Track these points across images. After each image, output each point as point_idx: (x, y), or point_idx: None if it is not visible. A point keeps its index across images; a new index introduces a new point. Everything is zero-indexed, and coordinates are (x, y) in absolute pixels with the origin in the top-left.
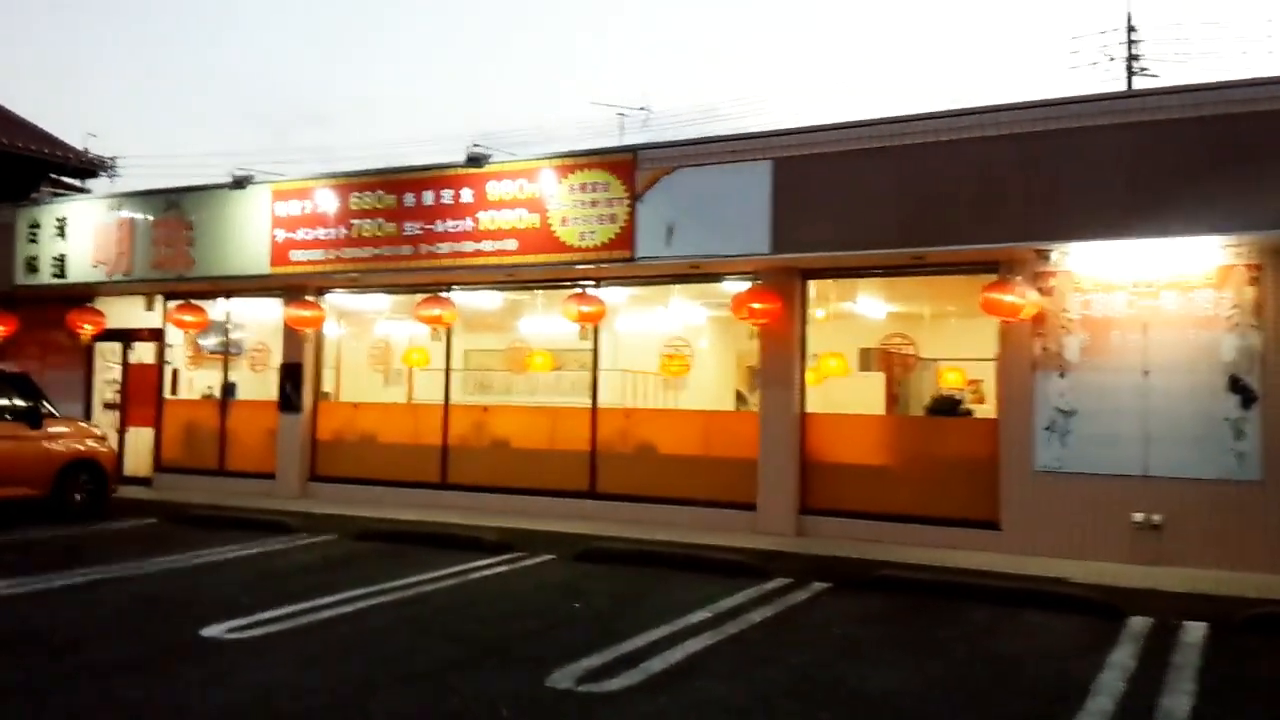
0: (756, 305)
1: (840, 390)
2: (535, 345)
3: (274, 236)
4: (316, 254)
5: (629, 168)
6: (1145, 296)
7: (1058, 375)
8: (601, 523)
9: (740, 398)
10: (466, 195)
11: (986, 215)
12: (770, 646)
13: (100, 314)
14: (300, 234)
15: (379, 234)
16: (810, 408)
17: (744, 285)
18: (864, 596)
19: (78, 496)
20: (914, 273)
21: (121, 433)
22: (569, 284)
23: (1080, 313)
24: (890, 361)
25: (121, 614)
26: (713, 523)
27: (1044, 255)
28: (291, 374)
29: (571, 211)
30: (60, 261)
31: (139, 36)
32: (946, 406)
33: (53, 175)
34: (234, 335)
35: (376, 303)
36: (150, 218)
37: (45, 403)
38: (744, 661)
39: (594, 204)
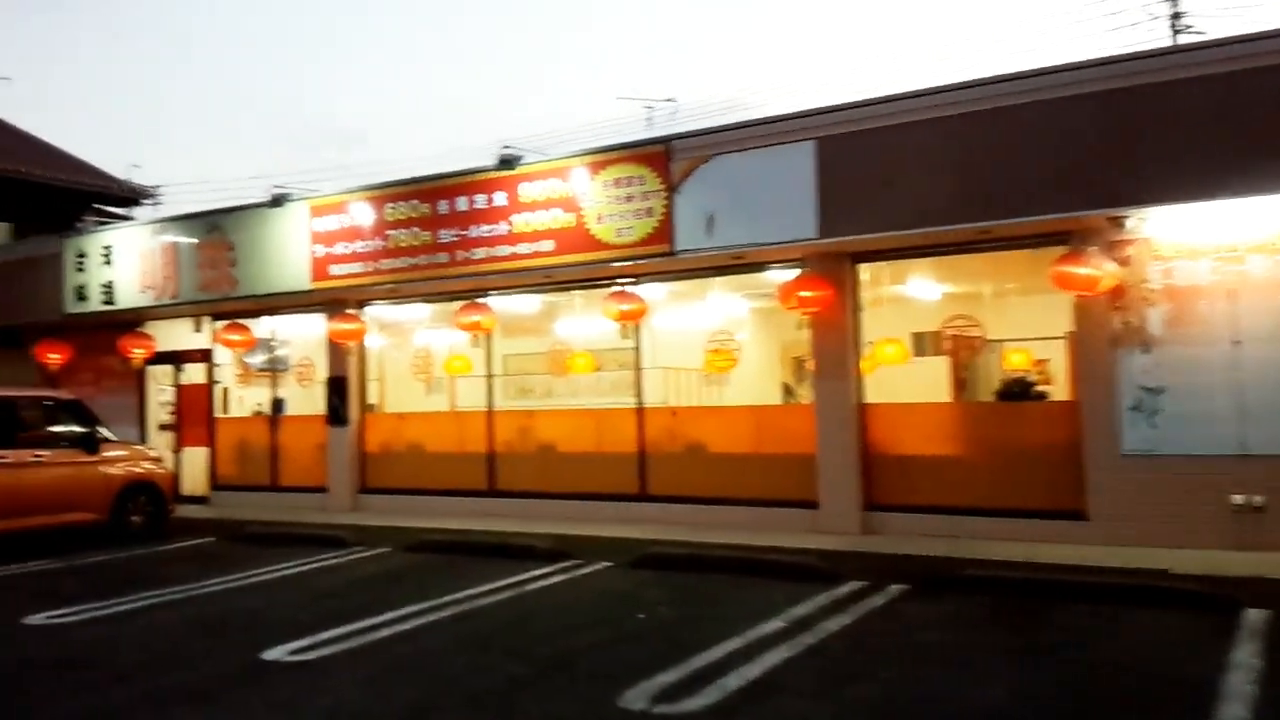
0: (805, 293)
1: (900, 378)
2: (575, 346)
3: (313, 252)
4: (355, 267)
5: (663, 159)
6: (1231, 261)
7: (1140, 351)
8: (654, 526)
9: (788, 390)
10: (500, 199)
11: (1060, 183)
12: (853, 658)
13: (150, 338)
14: (338, 248)
15: (415, 243)
16: (869, 398)
17: (790, 274)
18: (947, 598)
19: (136, 519)
20: (975, 250)
21: (177, 453)
22: (607, 282)
23: (1162, 282)
24: (955, 345)
25: (182, 638)
26: (771, 522)
27: (1119, 223)
28: (337, 387)
29: (606, 208)
30: (108, 288)
31: (174, 68)
32: (1019, 390)
33: (96, 205)
34: (280, 352)
35: (416, 313)
36: (193, 241)
37: (100, 428)
38: (827, 676)
39: (629, 199)
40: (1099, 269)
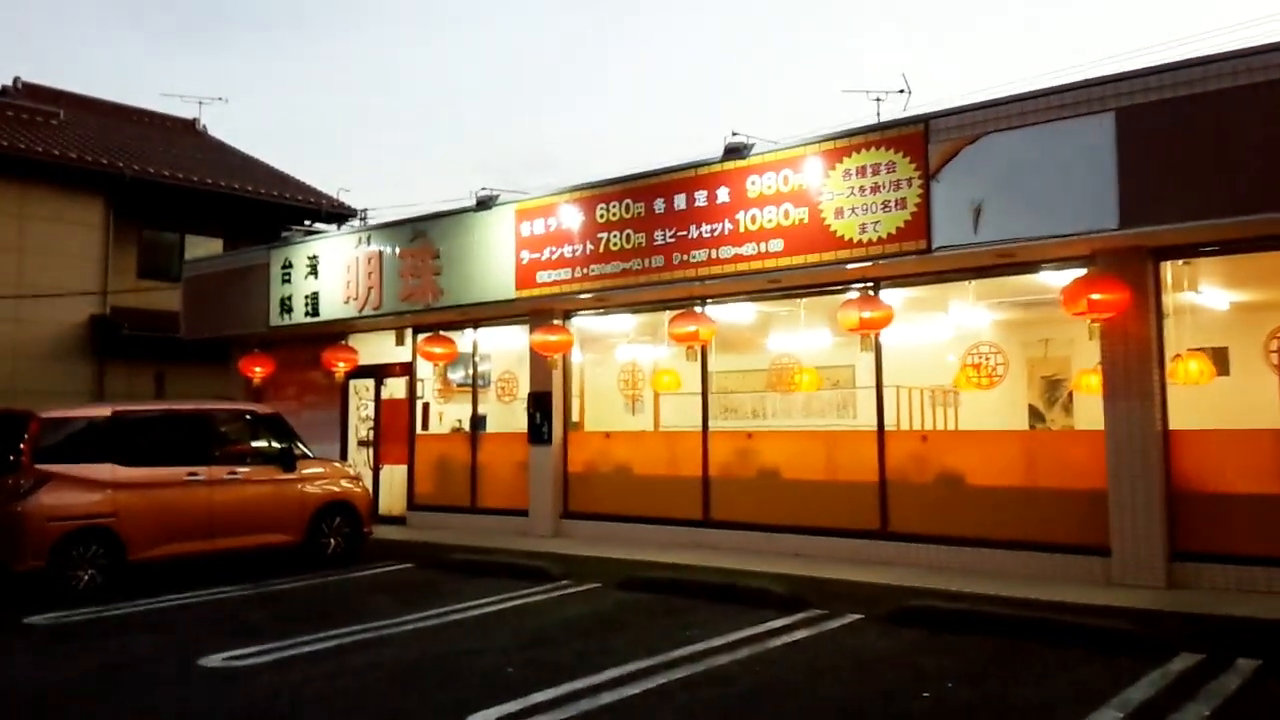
0: (1098, 296)
1: (1209, 400)
2: (791, 361)
3: (519, 258)
4: (562, 274)
5: (919, 142)
6: None
7: None
8: (900, 569)
9: (1035, 414)
10: (722, 194)
11: None
12: None
13: (353, 351)
14: (546, 254)
15: (627, 247)
16: (1174, 423)
17: (1068, 274)
18: None
19: (331, 541)
20: None
21: (376, 470)
22: (839, 288)
23: None
24: None
25: (373, 692)
26: (1044, 571)
27: None
28: (540, 403)
29: (848, 201)
30: (313, 300)
31: (379, 101)
32: None
33: (306, 221)
34: (481, 366)
35: (622, 324)
36: (397, 249)
37: (299, 443)
38: None
39: (876, 189)
40: None
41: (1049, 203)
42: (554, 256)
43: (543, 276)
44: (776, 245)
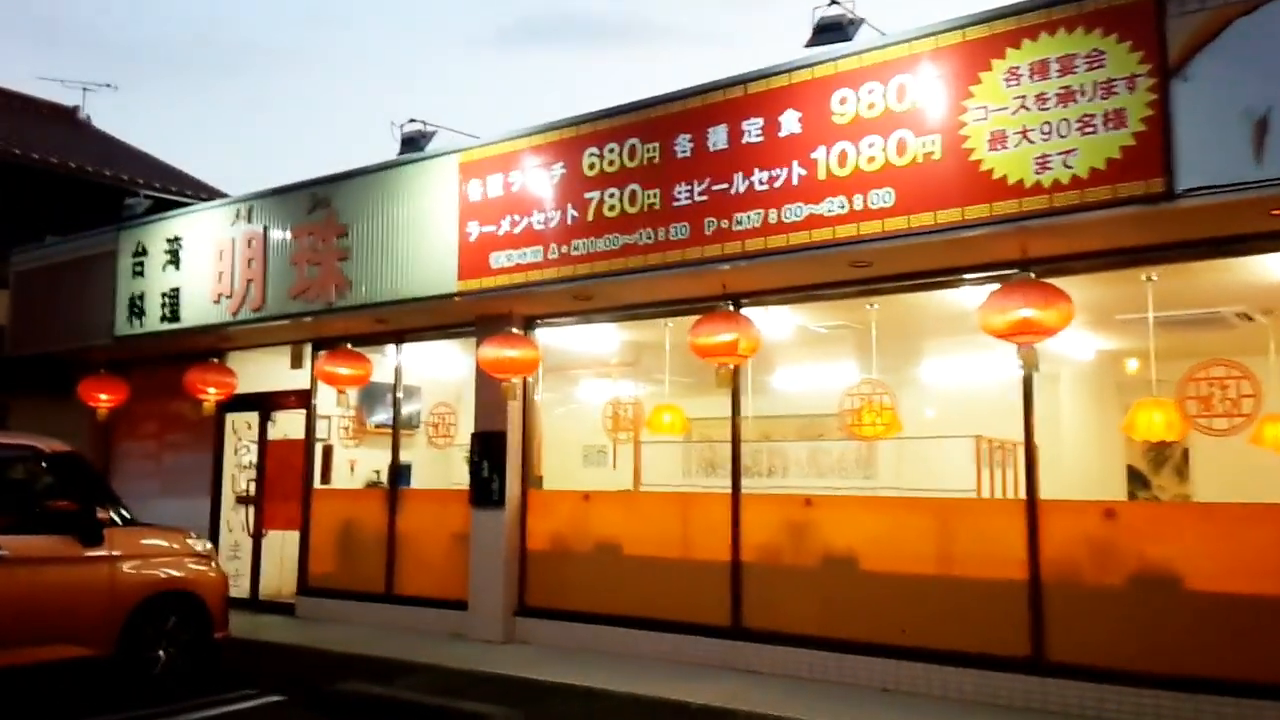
0: None
1: None
2: (871, 391)
3: (464, 233)
4: (529, 253)
5: (1147, 16)
6: None
7: None
8: None
9: (1136, 479)
10: (789, 122)
11: None
12: None
13: (228, 373)
14: (504, 225)
15: (632, 210)
16: None
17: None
18: None
19: (161, 654)
20: None
21: (257, 538)
22: (948, 278)
23: None
24: None
25: None
26: None
27: None
28: (489, 448)
29: (1016, 119)
30: (173, 298)
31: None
32: None
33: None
34: (406, 402)
35: (602, 340)
36: (289, 228)
37: (118, 505)
38: None
39: (1067, 98)
40: None
41: None
42: (517, 229)
43: (499, 259)
44: (883, 198)
